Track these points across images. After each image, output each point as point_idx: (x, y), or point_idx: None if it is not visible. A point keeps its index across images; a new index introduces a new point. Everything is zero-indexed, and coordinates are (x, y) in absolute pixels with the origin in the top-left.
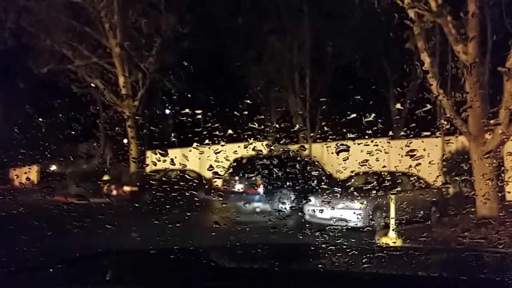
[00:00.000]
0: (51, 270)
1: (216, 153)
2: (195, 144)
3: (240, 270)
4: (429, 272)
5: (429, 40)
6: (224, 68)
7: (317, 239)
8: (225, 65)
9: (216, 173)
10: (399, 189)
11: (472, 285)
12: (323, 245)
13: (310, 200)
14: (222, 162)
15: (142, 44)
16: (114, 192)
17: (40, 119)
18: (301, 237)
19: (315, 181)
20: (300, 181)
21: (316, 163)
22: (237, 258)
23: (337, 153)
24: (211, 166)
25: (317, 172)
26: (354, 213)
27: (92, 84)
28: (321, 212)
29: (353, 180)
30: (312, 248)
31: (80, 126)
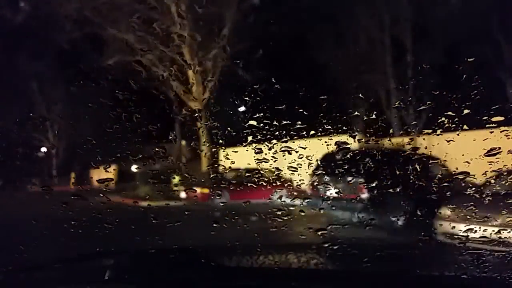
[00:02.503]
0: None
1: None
2: (272, 140)
3: (240, 270)
4: (430, 271)
5: None
6: (304, 54)
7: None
8: (305, 50)
9: (296, 171)
10: None
11: (473, 284)
12: (324, 245)
13: (440, 213)
14: (302, 159)
15: (212, 32)
16: (183, 194)
17: (113, 117)
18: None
19: (441, 186)
20: (418, 184)
21: (438, 160)
22: (237, 258)
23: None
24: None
25: (441, 173)
26: None
27: (160, 77)
28: (465, 231)
29: (497, 183)
30: (313, 247)
31: (151, 123)
